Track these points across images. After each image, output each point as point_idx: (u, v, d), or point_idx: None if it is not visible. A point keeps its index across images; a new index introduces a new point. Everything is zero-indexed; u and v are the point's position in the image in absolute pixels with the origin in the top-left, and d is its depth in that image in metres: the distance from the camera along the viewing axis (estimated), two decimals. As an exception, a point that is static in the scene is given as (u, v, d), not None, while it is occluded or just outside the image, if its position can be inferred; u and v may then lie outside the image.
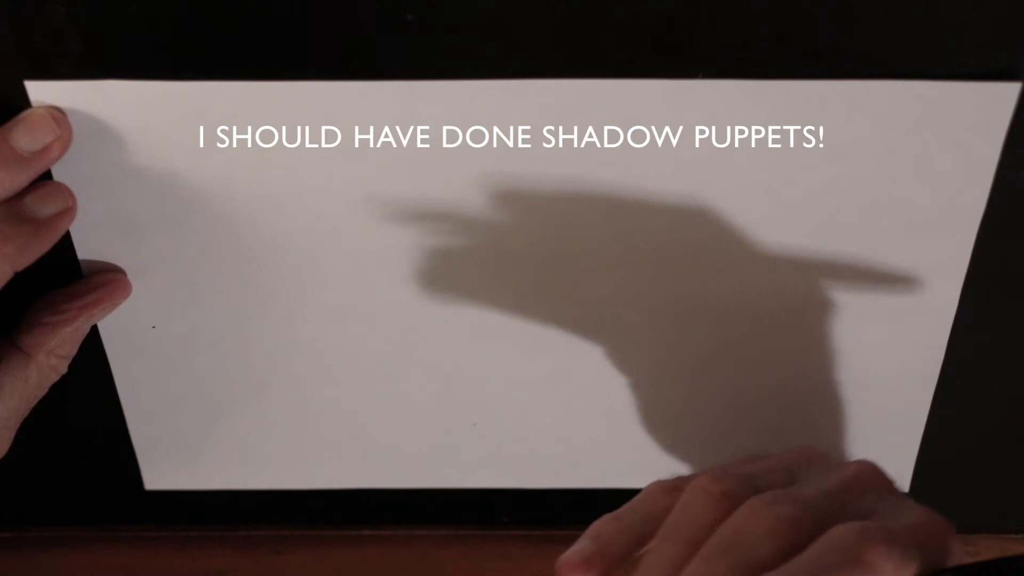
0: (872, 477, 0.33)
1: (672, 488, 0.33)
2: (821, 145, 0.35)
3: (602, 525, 0.33)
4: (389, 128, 0.35)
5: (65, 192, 0.35)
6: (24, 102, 0.34)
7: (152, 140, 0.35)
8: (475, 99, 0.34)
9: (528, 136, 0.35)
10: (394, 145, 0.35)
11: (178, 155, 0.35)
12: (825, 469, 0.33)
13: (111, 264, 0.38)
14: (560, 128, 0.35)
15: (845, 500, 0.31)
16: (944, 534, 0.32)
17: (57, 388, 0.38)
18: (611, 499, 0.34)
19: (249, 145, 0.35)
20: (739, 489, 0.31)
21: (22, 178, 0.34)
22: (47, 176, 0.35)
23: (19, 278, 0.35)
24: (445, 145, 0.35)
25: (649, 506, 0.33)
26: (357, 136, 0.35)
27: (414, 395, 0.42)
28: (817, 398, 0.42)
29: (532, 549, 0.47)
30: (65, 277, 0.38)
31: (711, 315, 0.40)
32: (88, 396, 0.42)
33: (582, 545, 0.32)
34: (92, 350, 0.40)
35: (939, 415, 0.42)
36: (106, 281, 0.38)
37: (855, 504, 0.31)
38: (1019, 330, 0.40)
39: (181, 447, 0.44)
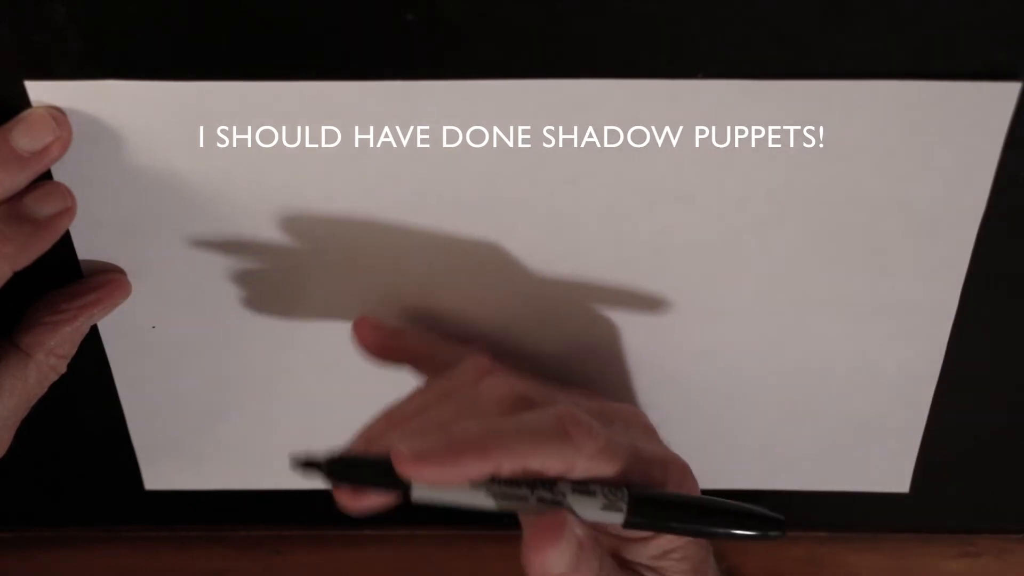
0: (634, 416, 0.36)
1: (480, 349, 0.37)
2: (821, 145, 0.35)
3: (408, 330, 0.39)
4: (389, 128, 0.35)
5: (65, 192, 0.35)
6: (24, 102, 0.34)
7: (152, 140, 0.35)
8: (475, 99, 0.34)
9: (528, 136, 0.35)
10: (394, 145, 0.35)
11: (178, 155, 0.35)
12: (597, 399, 0.37)
13: (111, 264, 0.38)
14: (560, 128, 0.35)
15: (595, 415, 0.34)
16: (676, 467, 0.34)
17: (57, 388, 0.38)
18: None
19: (249, 145, 0.35)
20: (502, 368, 0.36)
21: (22, 178, 0.34)
22: (47, 176, 0.35)
23: (19, 278, 0.35)
24: (445, 145, 0.35)
25: (455, 352, 0.37)
26: (357, 136, 0.35)
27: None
28: (817, 398, 0.42)
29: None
30: (65, 277, 0.38)
31: (711, 314, 0.40)
32: (88, 396, 0.42)
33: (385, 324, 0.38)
34: (92, 350, 0.40)
35: (939, 415, 0.42)
36: (106, 281, 0.38)
37: (603, 420, 0.34)
38: (1019, 330, 0.40)
39: (181, 447, 0.44)
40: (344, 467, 0.32)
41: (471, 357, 0.36)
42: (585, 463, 0.31)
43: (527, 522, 0.32)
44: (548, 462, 0.31)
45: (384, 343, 0.38)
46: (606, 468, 0.32)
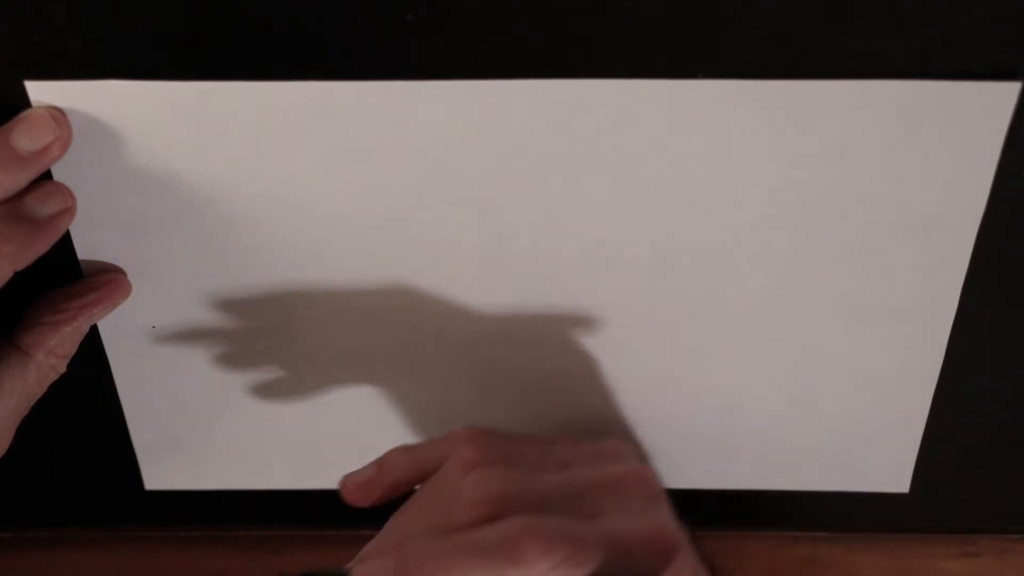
0: (635, 482, 0.35)
1: (466, 439, 0.35)
2: (821, 145, 0.35)
3: (392, 455, 0.37)
4: (389, 128, 0.35)
5: (65, 192, 0.35)
6: (24, 102, 0.34)
7: (152, 140, 0.35)
8: (475, 99, 0.34)
9: (528, 136, 0.35)
10: (394, 145, 0.35)
11: (178, 155, 0.35)
12: (596, 464, 0.35)
13: (111, 264, 0.38)
14: (560, 128, 0.35)
15: (586, 495, 0.33)
16: (666, 549, 0.33)
17: (57, 388, 0.38)
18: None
19: (249, 145, 0.35)
20: (488, 457, 0.34)
21: (22, 178, 0.34)
22: (47, 176, 0.35)
23: (19, 278, 0.35)
24: (445, 145, 0.35)
25: (442, 448, 0.36)
26: (357, 136, 0.35)
27: (414, 395, 0.42)
28: (817, 398, 0.42)
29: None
30: (65, 277, 0.38)
31: (711, 315, 0.40)
32: (88, 396, 0.42)
33: (366, 470, 0.36)
34: (92, 350, 0.40)
35: (939, 415, 0.42)
36: (106, 281, 0.38)
37: (593, 502, 0.33)
38: (1019, 330, 0.40)
39: (181, 447, 0.44)
40: None
41: (456, 452, 0.35)
42: None
43: None
44: None
45: (374, 494, 0.37)
46: (575, 573, 0.31)
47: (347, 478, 0.37)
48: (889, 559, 0.47)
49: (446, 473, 0.35)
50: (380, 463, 0.37)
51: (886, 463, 0.44)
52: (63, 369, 0.38)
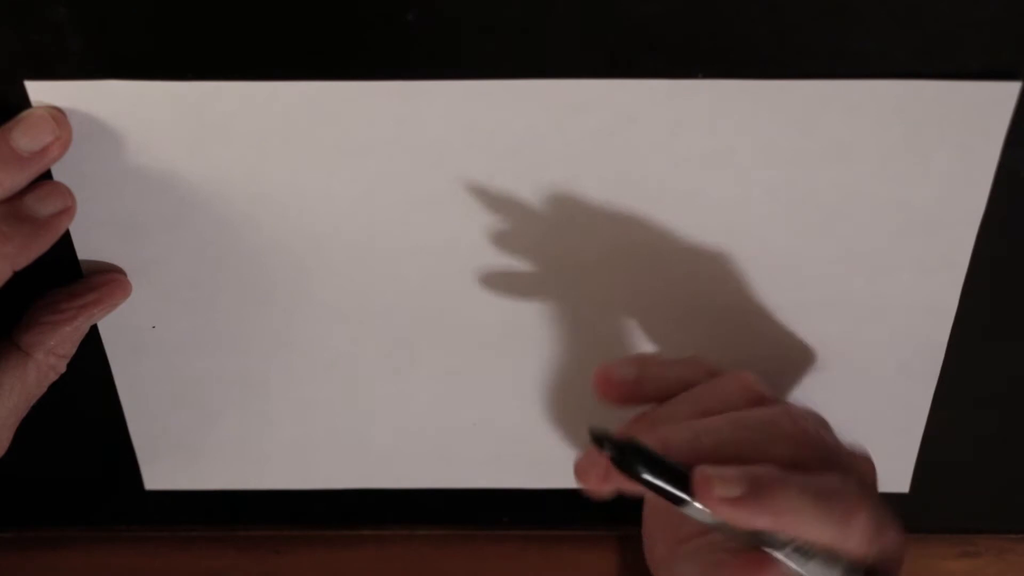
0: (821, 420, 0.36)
1: (711, 371, 0.36)
2: (821, 145, 0.35)
3: (648, 362, 0.37)
4: (389, 128, 0.35)
5: (65, 192, 0.35)
6: (24, 102, 0.34)
7: (152, 140, 0.35)
8: (475, 99, 0.34)
9: (528, 136, 0.35)
10: (394, 145, 0.35)
11: (178, 155, 0.35)
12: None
13: (111, 264, 0.38)
14: (560, 128, 0.35)
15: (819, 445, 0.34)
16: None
17: (57, 388, 0.38)
18: (611, 499, 0.34)
19: (249, 145, 0.35)
20: (771, 395, 0.35)
21: (22, 178, 0.34)
22: (47, 176, 0.35)
23: (19, 278, 0.35)
24: (445, 145, 0.35)
25: (688, 372, 0.36)
26: (357, 136, 0.35)
27: (414, 395, 0.42)
28: (817, 398, 0.42)
29: (532, 549, 0.47)
30: (65, 277, 0.38)
31: (711, 314, 0.40)
32: (88, 396, 0.42)
33: (626, 368, 0.36)
34: (92, 350, 0.40)
35: (939, 415, 0.42)
36: (106, 281, 0.38)
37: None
38: (1019, 330, 0.40)
39: (181, 447, 0.44)
40: (633, 457, 0.32)
41: (731, 375, 0.36)
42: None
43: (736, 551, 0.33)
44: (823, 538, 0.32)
45: (626, 393, 0.36)
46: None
47: (606, 368, 0.36)
48: (889, 559, 0.47)
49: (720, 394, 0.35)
50: (640, 366, 0.36)
51: (886, 463, 0.44)
52: (63, 369, 0.38)
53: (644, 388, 0.36)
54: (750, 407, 0.34)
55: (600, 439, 0.31)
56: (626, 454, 0.31)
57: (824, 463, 0.33)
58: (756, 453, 0.32)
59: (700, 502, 0.31)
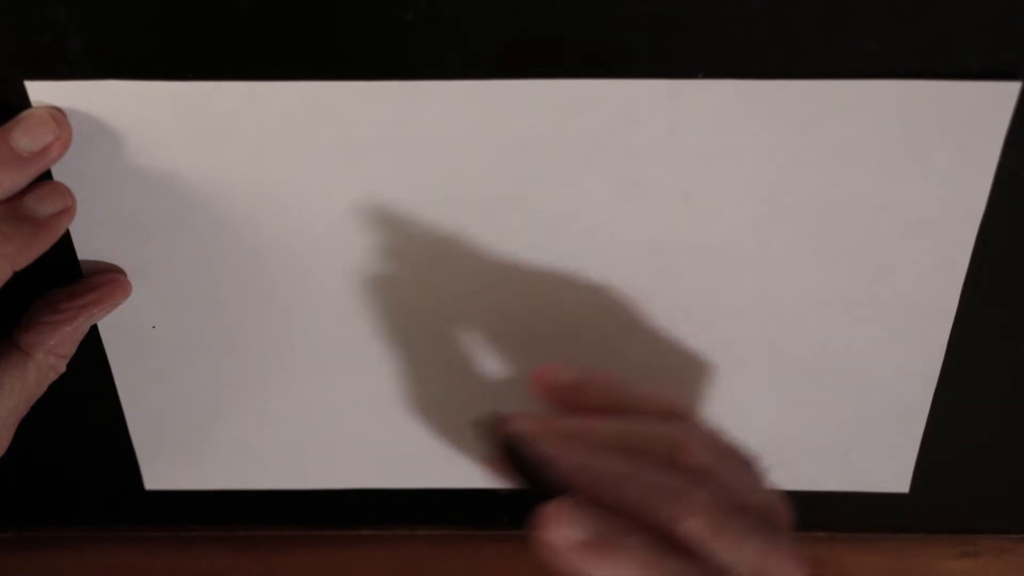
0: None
1: (671, 412, 0.36)
2: (821, 145, 0.35)
3: (598, 377, 0.36)
4: (389, 128, 0.35)
5: (65, 192, 0.35)
6: (24, 102, 0.34)
7: (152, 140, 0.35)
8: (475, 99, 0.34)
9: (528, 136, 0.35)
10: (394, 145, 0.35)
11: (178, 155, 0.35)
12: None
13: (111, 264, 0.38)
14: (560, 128, 0.35)
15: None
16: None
17: (57, 388, 0.38)
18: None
19: (249, 145, 0.35)
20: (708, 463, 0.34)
21: (22, 178, 0.34)
22: (47, 176, 0.35)
23: (19, 278, 0.35)
24: (445, 145, 0.35)
25: (643, 402, 0.36)
26: (357, 136, 0.35)
27: (414, 395, 0.42)
28: (817, 398, 0.42)
29: (532, 549, 0.47)
30: (65, 277, 0.38)
31: (711, 314, 0.40)
32: (88, 396, 0.42)
33: (569, 374, 0.36)
34: (92, 350, 0.40)
35: (939, 415, 0.42)
36: (106, 281, 0.38)
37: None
38: (1019, 330, 0.40)
39: (181, 447, 0.44)
40: (518, 450, 0.33)
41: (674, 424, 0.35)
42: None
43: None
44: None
45: (563, 398, 0.37)
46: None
47: (544, 370, 0.36)
48: (889, 559, 0.47)
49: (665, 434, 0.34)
50: (589, 380, 0.36)
51: (886, 463, 0.44)
52: (63, 369, 0.38)
53: (582, 398, 0.36)
54: (672, 464, 0.33)
55: (495, 428, 0.33)
56: (513, 453, 0.33)
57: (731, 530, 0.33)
58: (647, 511, 0.32)
59: (545, 534, 0.32)
